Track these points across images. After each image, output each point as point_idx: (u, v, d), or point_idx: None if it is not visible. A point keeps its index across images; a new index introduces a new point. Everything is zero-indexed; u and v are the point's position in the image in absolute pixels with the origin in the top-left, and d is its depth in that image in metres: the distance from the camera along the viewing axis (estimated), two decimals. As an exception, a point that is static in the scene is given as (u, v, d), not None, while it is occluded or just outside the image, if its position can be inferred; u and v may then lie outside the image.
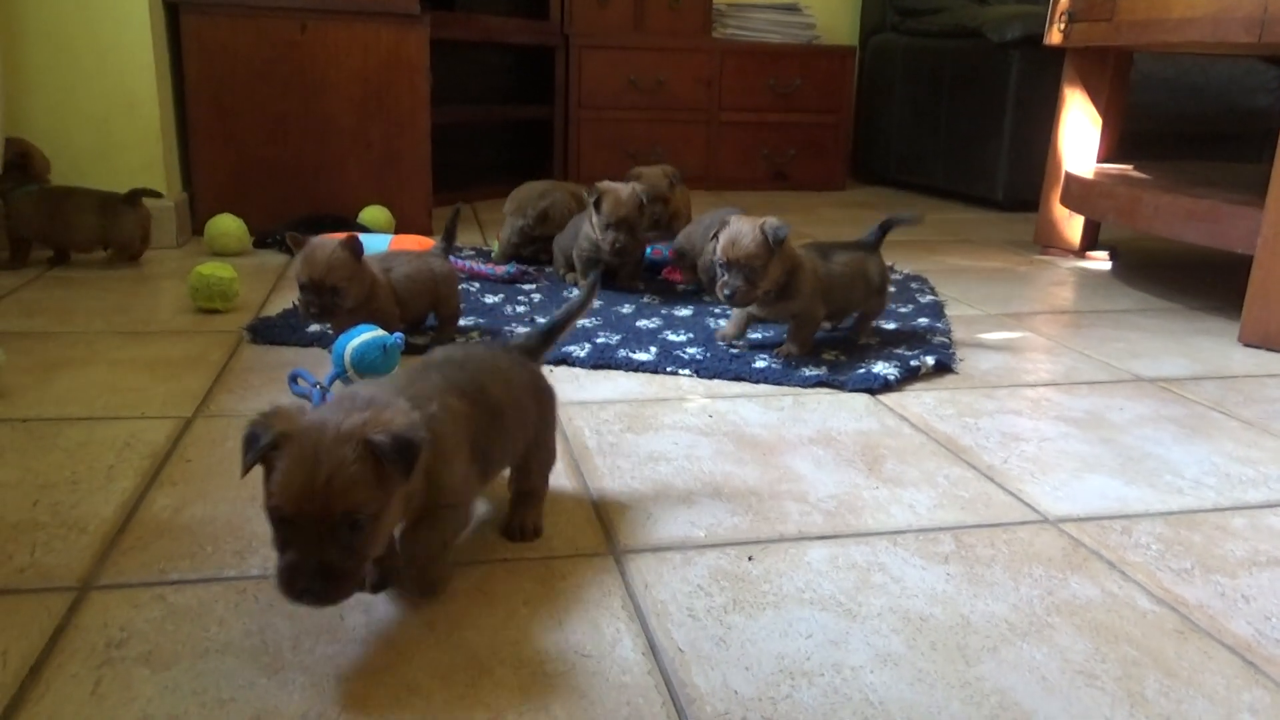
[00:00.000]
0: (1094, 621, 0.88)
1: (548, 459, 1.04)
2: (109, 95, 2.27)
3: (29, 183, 2.08)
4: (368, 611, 0.86)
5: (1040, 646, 0.84)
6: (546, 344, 1.09)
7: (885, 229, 1.79)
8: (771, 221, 1.52)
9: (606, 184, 1.93)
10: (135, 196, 2.10)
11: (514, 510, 1.03)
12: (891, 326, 1.81)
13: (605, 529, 1.03)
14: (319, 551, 0.72)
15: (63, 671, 0.77)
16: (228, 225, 2.29)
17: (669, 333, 1.73)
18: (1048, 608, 0.90)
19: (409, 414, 0.79)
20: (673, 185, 2.18)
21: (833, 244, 1.73)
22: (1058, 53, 2.67)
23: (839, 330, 1.80)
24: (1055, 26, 2.48)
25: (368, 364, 1.37)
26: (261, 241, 2.38)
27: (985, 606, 0.90)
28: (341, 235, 2.01)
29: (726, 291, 1.52)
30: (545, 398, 1.04)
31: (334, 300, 1.45)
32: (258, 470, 0.76)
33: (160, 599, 0.87)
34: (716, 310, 1.91)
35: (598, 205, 1.91)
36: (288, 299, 1.89)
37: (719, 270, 1.54)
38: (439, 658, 0.80)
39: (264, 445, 0.74)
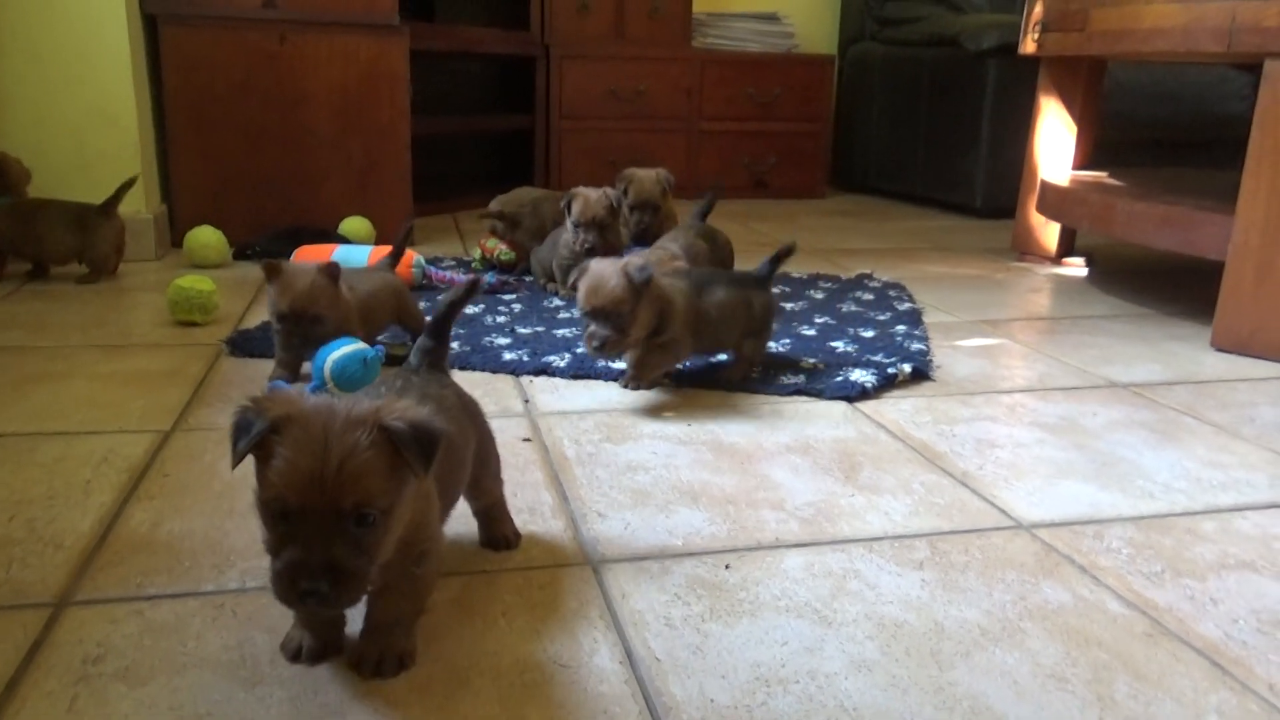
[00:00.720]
0: (1065, 626, 0.90)
1: (495, 468, 1.00)
2: (87, 107, 2.26)
3: (3, 195, 2.07)
4: (346, 624, 0.86)
5: (1012, 651, 0.85)
6: (443, 347, 0.98)
7: (777, 261, 1.58)
8: (634, 262, 1.41)
9: (579, 188, 2.03)
10: (111, 206, 2.09)
11: (488, 524, 1.01)
12: (870, 334, 1.83)
13: (583, 539, 1.04)
14: (326, 547, 0.66)
15: (39, 688, 0.77)
16: (207, 237, 2.29)
17: (649, 342, 1.74)
18: (1020, 613, 0.91)
19: (423, 406, 0.75)
20: (665, 192, 2.19)
21: (716, 274, 1.61)
22: (1033, 61, 2.70)
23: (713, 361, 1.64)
24: (1029, 36, 2.51)
25: (348, 377, 1.37)
26: (241, 253, 2.37)
27: (959, 612, 0.91)
28: (318, 254, 2.01)
29: (595, 343, 1.38)
30: (476, 411, 0.97)
31: (316, 329, 1.42)
32: (239, 478, 0.75)
33: (137, 614, 0.87)
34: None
35: (569, 208, 2.01)
36: (267, 312, 1.89)
37: (584, 321, 1.42)
38: (417, 670, 0.80)
39: (259, 430, 0.67)
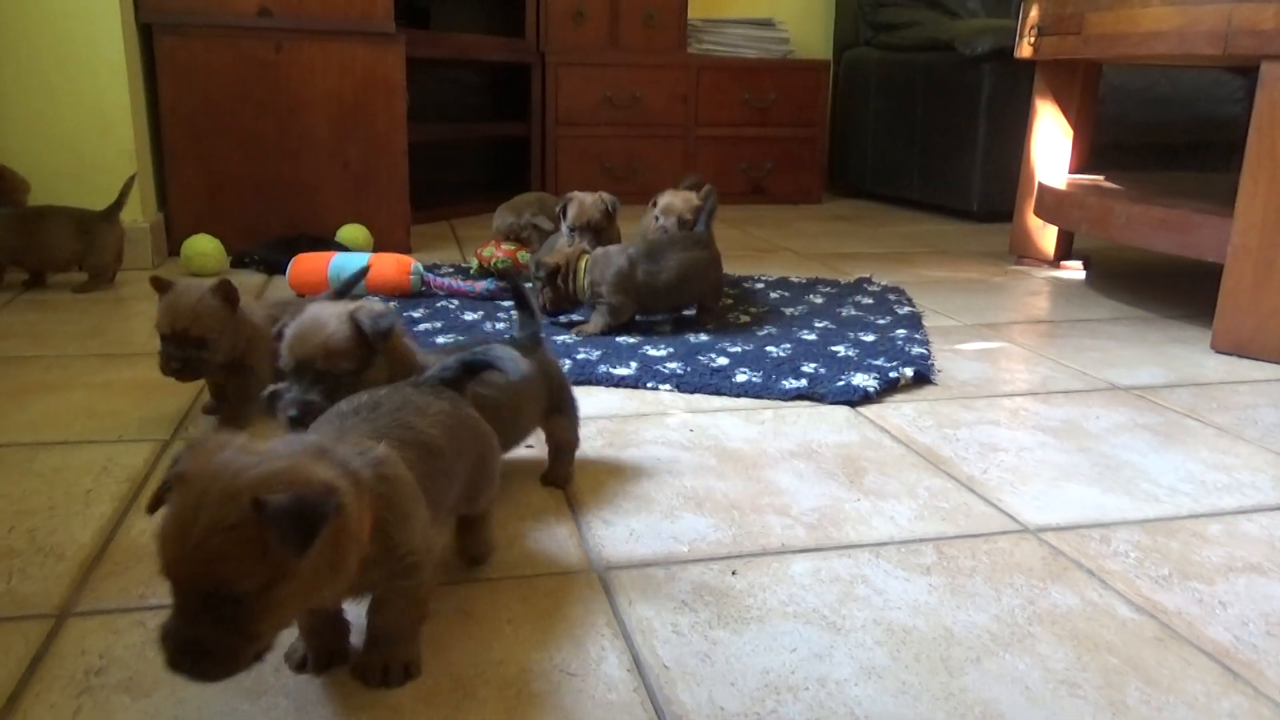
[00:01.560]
0: (1075, 630, 0.89)
1: (492, 487, 0.95)
2: (83, 116, 2.26)
3: (2, 205, 2.06)
4: (351, 635, 0.85)
5: (1022, 656, 0.85)
6: (468, 376, 0.94)
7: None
8: (370, 308, 1.05)
9: (575, 193, 2.06)
10: (113, 212, 2.09)
11: (465, 534, 0.97)
12: (870, 338, 1.82)
13: (588, 546, 1.03)
14: (190, 625, 0.61)
15: (41, 700, 0.76)
16: (204, 245, 2.28)
17: (648, 348, 1.73)
18: (1029, 617, 0.91)
19: (344, 473, 0.68)
20: (609, 214, 2.15)
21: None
22: (1028, 65, 2.70)
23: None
24: (1025, 40, 2.51)
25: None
26: (238, 261, 2.37)
27: (967, 617, 0.91)
28: (315, 263, 2.00)
29: (291, 413, 0.99)
30: (477, 430, 0.92)
31: (198, 354, 1.25)
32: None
33: (140, 625, 0.87)
34: (695, 324, 1.91)
35: (565, 212, 2.04)
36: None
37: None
38: (422, 680, 0.80)
39: (163, 487, 0.64)
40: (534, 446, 1.30)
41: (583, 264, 1.85)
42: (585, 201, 2.03)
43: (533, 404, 1.12)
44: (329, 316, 1.01)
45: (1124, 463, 1.29)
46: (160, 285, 1.28)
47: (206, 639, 0.61)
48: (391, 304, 1.69)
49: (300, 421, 0.95)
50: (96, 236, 2.08)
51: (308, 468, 0.65)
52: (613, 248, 1.89)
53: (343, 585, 0.70)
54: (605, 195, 2.06)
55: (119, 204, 2.10)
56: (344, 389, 0.95)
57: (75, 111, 2.25)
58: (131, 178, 2.13)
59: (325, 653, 0.80)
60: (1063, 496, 1.19)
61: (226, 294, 1.28)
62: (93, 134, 2.27)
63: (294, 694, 0.77)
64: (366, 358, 1.01)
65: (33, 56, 2.21)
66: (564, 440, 1.19)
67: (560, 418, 1.18)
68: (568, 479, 1.18)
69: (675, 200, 2.01)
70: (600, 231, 2.03)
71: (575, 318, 1.93)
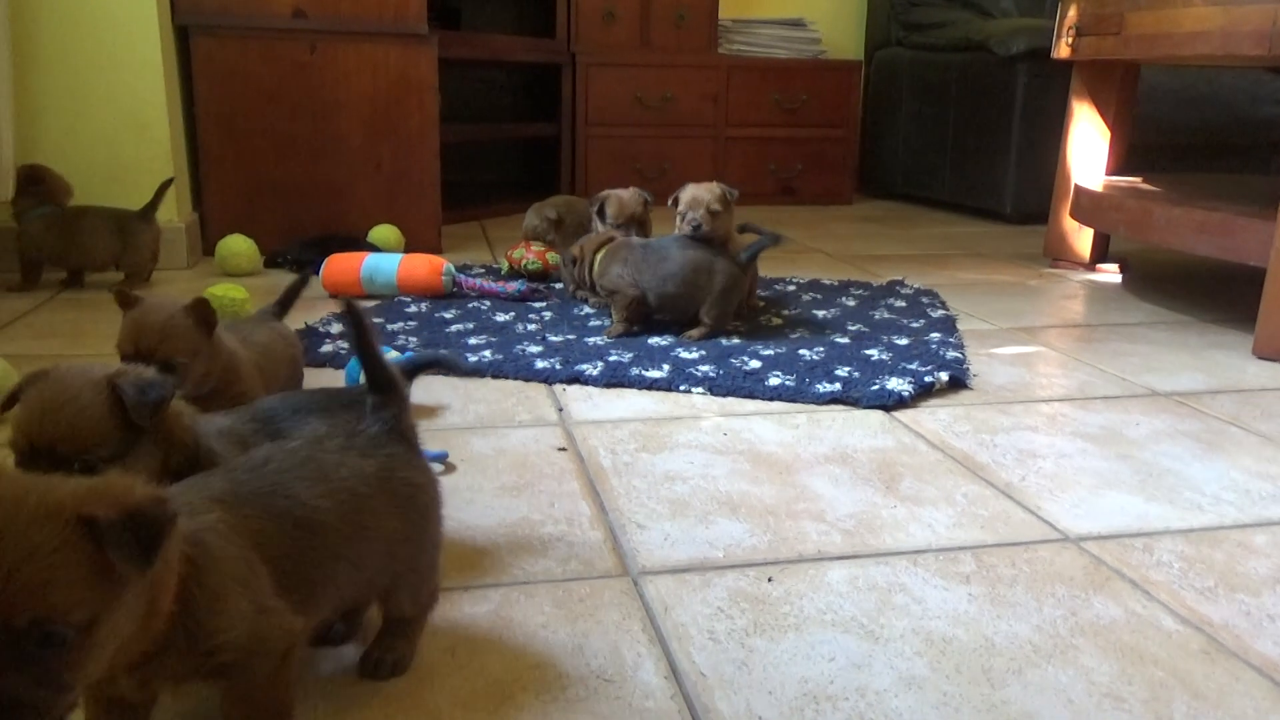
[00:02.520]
0: (1119, 642, 0.87)
1: (423, 584, 0.79)
2: (120, 117, 2.28)
3: (44, 205, 2.08)
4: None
5: (1066, 668, 0.83)
6: (395, 400, 0.79)
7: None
8: (134, 376, 0.91)
9: (609, 190, 2.07)
10: (150, 211, 2.11)
11: (377, 639, 0.80)
12: (904, 342, 1.81)
13: (622, 551, 1.03)
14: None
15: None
16: (239, 246, 2.30)
17: (681, 350, 1.73)
18: (1071, 628, 0.89)
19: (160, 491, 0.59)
20: (649, 204, 2.15)
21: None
22: (1064, 65, 2.67)
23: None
24: (1063, 40, 2.48)
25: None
26: (272, 261, 2.38)
27: (1008, 627, 0.89)
28: (347, 263, 2.00)
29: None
30: (415, 499, 0.76)
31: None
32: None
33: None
34: (727, 327, 1.90)
35: (601, 212, 2.05)
36: (300, 319, 1.89)
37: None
38: (460, 684, 0.79)
39: None
40: (566, 450, 1.30)
41: (601, 252, 1.90)
42: (624, 197, 2.05)
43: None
44: (81, 385, 0.77)
45: (1166, 470, 1.27)
46: (125, 300, 1.09)
47: (12, 690, 0.50)
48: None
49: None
50: (133, 236, 2.10)
51: (124, 484, 0.57)
52: (634, 240, 1.93)
53: (145, 643, 0.58)
54: (641, 190, 2.08)
55: (155, 204, 2.12)
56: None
57: (112, 112, 2.27)
58: (169, 181, 2.15)
59: None
60: (1104, 505, 1.17)
61: (201, 314, 1.08)
62: (129, 135, 2.29)
63: (332, 696, 0.77)
64: (127, 440, 0.78)
65: (71, 58, 2.23)
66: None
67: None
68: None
69: (700, 191, 1.85)
70: (644, 224, 2.05)
71: (607, 321, 1.93)
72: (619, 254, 1.87)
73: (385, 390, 0.78)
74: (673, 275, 1.80)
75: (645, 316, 1.86)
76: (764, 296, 2.17)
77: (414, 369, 0.93)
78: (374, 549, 0.72)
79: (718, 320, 1.81)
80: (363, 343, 0.76)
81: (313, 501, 0.68)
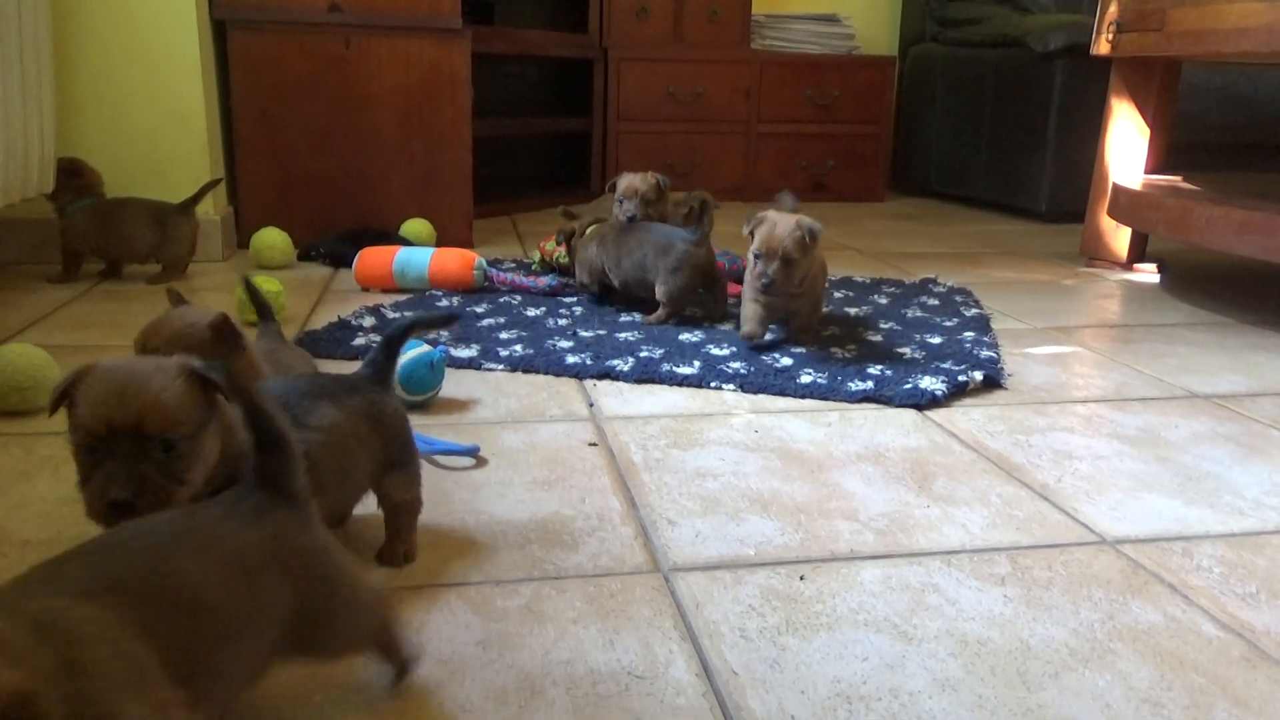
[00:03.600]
0: (1158, 648, 0.86)
1: (342, 641, 0.73)
2: (158, 111, 2.30)
3: (84, 197, 2.11)
4: (419, 631, 0.86)
5: (1103, 673, 0.82)
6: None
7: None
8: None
9: (624, 172, 2.08)
10: (190, 206, 2.14)
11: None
12: (937, 340, 1.79)
13: (653, 547, 1.02)
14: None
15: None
16: (273, 239, 2.31)
17: (712, 346, 1.72)
18: (1109, 633, 0.88)
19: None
20: (659, 188, 2.14)
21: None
22: (1102, 62, 2.63)
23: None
24: (1103, 36, 2.45)
25: (416, 380, 1.37)
26: (305, 255, 2.40)
27: (1045, 630, 0.88)
28: (380, 256, 1.99)
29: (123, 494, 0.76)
30: (304, 568, 0.68)
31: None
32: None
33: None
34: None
35: (614, 189, 2.05)
36: (333, 312, 1.90)
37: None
38: (491, 678, 0.80)
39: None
40: (596, 445, 1.30)
41: (588, 232, 2.00)
42: (632, 176, 2.04)
43: (364, 454, 0.91)
44: (152, 369, 0.76)
45: (1206, 474, 1.25)
46: (176, 299, 1.02)
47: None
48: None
49: (130, 509, 0.72)
50: (173, 229, 2.13)
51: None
52: (617, 224, 1.98)
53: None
54: (655, 174, 2.06)
55: (196, 198, 2.14)
56: (179, 463, 0.75)
57: (151, 106, 2.30)
58: (217, 181, 2.21)
59: None
60: (1142, 508, 1.15)
61: (222, 330, 0.99)
62: (168, 128, 2.31)
63: (365, 688, 0.78)
64: (200, 422, 0.77)
65: (110, 53, 2.26)
66: (402, 501, 0.96)
67: (396, 474, 0.95)
68: (411, 554, 0.96)
69: (635, 180, 1.99)
70: (650, 204, 2.02)
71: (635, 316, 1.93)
72: (597, 236, 1.98)
73: (270, 447, 0.70)
74: (629, 254, 1.89)
75: (609, 290, 1.99)
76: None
77: (396, 339, 0.96)
78: (270, 618, 0.65)
79: (669, 299, 1.85)
80: (246, 398, 0.69)
81: (200, 581, 0.60)
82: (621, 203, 2.01)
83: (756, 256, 1.61)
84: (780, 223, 1.60)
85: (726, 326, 1.87)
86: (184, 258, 2.17)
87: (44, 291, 2.05)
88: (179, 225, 2.13)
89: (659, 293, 1.86)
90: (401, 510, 0.97)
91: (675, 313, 1.87)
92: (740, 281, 2.17)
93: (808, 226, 1.60)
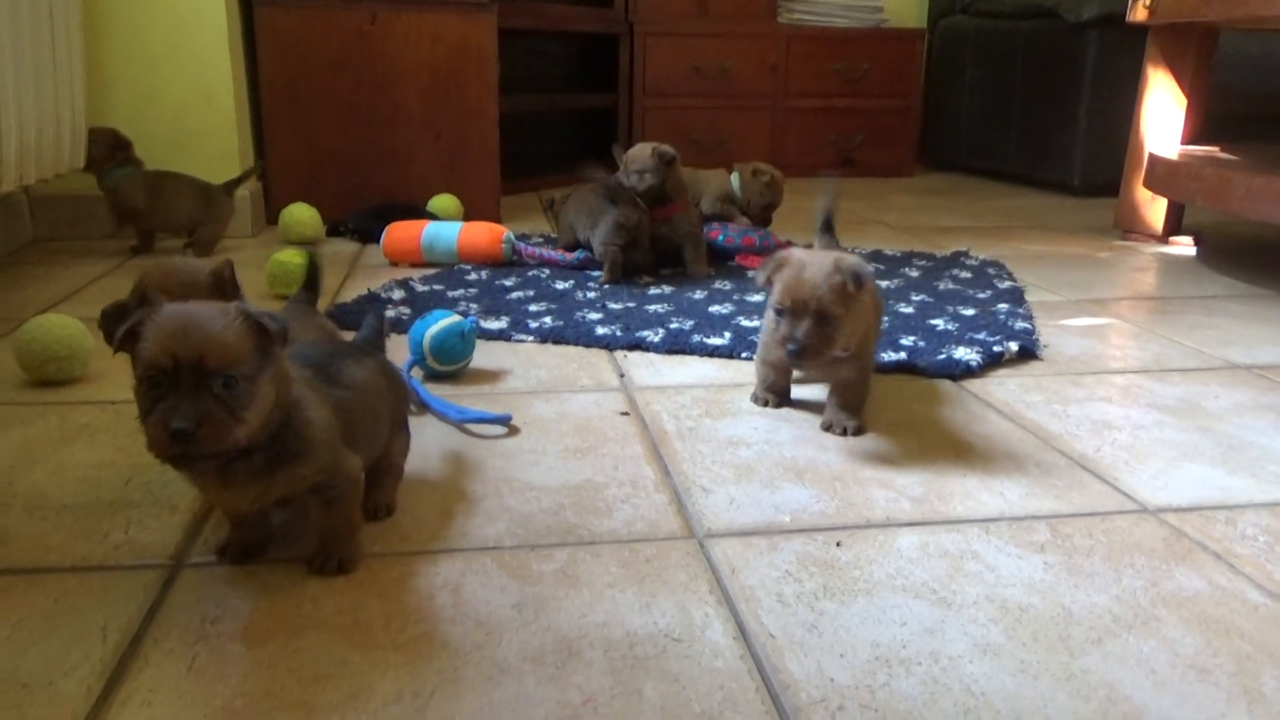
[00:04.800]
0: (1203, 614, 0.85)
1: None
2: (186, 86, 2.31)
3: (126, 165, 2.13)
4: (454, 592, 0.86)
5: (1147, 639, 0.81)
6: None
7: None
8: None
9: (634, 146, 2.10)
10: (232, 187, 2.18)
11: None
12: (970, 312, 1.77)
13: (688, 513, 1.02)
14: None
15: (160, 646, 0.78)
16: (302, 214, 2.32)
17: (742, 318, 1.71)
18: (1153, 599, 0.87)
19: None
20: (662, 159, 2.11)
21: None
22: (1136, 31, 2.58)
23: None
24: (1140, 3, 2.40)
25: (447, 350, 1.37)
26: (334, 230, 2.41)
27: (1086, 597, 0.87)
28: (408, 231, 1.99)
29: (183, 424, 0.75)
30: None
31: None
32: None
33: (252, 576, 0.88)
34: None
35: (622, 162, 2.09)
36: (362, 285, 1.91)
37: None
38: (528, 639, 0.79)
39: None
40: (629, 414, 1.29)
41: (569, 200, 2.17)
42: (637, 148, 2.05)
43: (384, 411, 0.98)
44: (213, 311, 0.79)
45: (1248, 444, 1.23)
46: (149, 314, 0.78)
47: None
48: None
49: (190, 439, 0.74)
50: (216, 207, 2.15)
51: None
52: (581, 191, 2.14)
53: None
54: (658, 146, 2.04)
55: (239, 181, 2.19)
56: (238, 400, 0.77)
57: (179, 82, 2.30)
58: (258, 166, 2.29)
59: (244, 546, 0.91)
60: (1183, 477, 1.13)
61: (222, 280, 1.02)
62: (196, 103, 2.32)
63: (403, 648, 0.78)
64: (260, 366, 0.79)
65: (139, 29, 2.26)
66: (396, 463, 1.04)
67: (398, 436, 1.04)
68: (392, 507, 1.01)
69: (636, 151, 2.02)
70: (646, 173, 2.01)
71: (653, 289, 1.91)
72: (575, 202, 2.14)
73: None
74: (589, 216, 2.03)
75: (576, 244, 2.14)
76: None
77: (380, 319, 1.12)
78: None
79: (600, 257, 1.99)
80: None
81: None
82: (639, 174, 2.01)
83: (779, 313, 1.16)
84: (810, 266, 1.15)
85: (758, 297, 1.86)
86: (219, 236, 2.18)
87: (77, 265, 2.06)
88: (222, 204, 2.16)
89: (595, 250, 2.01)
90: (392, 470, 1.03)
91: (614, 270, 1.97)
92: (743, 254, 2.16)
93: (850, 270, 1.14)
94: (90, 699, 0.72)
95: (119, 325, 0.79)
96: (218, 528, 0.96)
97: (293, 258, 1.81)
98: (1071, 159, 3.30)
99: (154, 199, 2.12)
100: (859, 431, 1.24)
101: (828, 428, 1.25)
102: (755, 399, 1.34)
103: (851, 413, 1.25)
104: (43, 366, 1.34)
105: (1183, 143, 2.52)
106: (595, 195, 2.04)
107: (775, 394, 1.33)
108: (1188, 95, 2.50)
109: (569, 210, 2.17)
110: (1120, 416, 1.31)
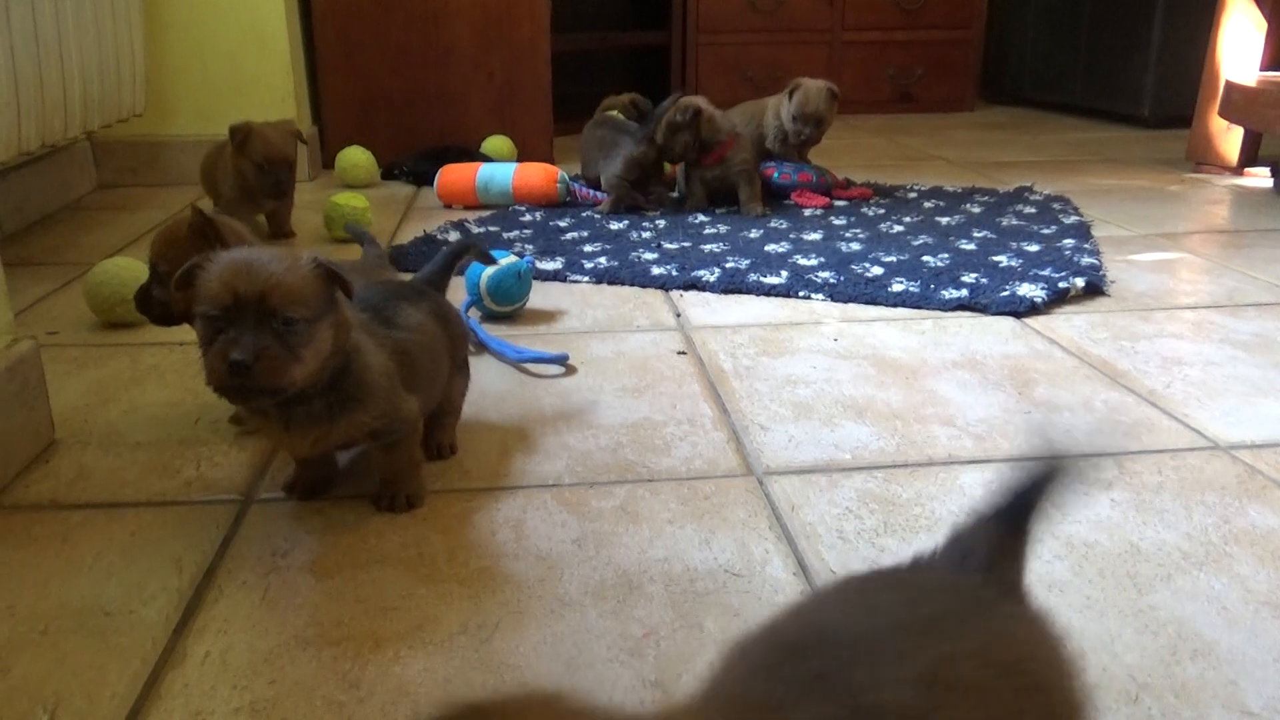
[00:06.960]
0: (1277, 551, 0.83)
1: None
2: (241, 30, 2.32)
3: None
4: (516, 528, 0.87)
5: (1219, 576, 0.79)
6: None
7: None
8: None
9: (802, 79, 2.14)
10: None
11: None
12: (1034, 248, 1.72)
13: (746, 451, 1.02)
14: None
15: (233, 578, 0.80)
16: (357, 157, 2.33)
17: (799, 257, 1.68)
18: (1224, 536, 0.85)
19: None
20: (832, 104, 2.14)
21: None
22: (1218, -49, 2.46)
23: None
24: (1219, -79, 2.28)
25: (504, 291, 1.38)
26: (389, 173, 2.41)
27: (1155, 534, 0.85)
28: (462, 174, 1.99)
29: (240, 355, 0.76)
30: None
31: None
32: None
33: (319, 512, 0.90)
34: (847, 234, 1.85)
35: (791, 96, 2.15)
36: (419, 227, 1.92)
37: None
38: (589, 574, 0.80)
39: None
40: (685, 354, 1.29)
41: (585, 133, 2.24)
42: (811, 89, 2.11)
43: (443, 354, 0.99)
44: (278, 253, 0.80)
45: (1327, 380, 1.19)
46: (212, 254, 0.80)
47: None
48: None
49: (248, 371, 0.75)
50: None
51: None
52: (594, 123, 2.22)
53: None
54: (697, 99, 2.02)
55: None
56: (296, 339, 0.78)
57: (234, 26, 2.31)
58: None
59: (310, 483, 0.93)
60: (1257, 413, 1.10)
61: (201, 230, 0.97)
62: (250, 47, 2.33)
63: (466, 582, 0.79)
64: (321, 310, 0.80)
65: (194, -27, 2.27)
66: (456, 403, 1.05)
67: (458, 377, 1.04)
68: (454, 446, 1.02)
69: (694, 99, 2.04)
70: (822, 122, 2.13)
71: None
72: (590, 132, 2.20)
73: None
74: (599, 149, 2.08)
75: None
76: (883, 203, 2.10)
77: (457, 253, 1.09)
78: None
79: (608, 187, 2.04)
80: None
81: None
82: (795, 121, 2.12)
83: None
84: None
85: (814, 235, 1.83)
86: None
87: (142, 210, 2.10)
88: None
89: (603, 182, 2.06)
90: (452, 410, 1.04)
91: (618, 201, 2.02)
92: (826, 193, 2.13)
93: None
94: (169, 627, 0.74)
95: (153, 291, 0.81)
96: (285, 465, 0.98)
97: (350, 200, 1.82)
98: (1142, 88, 3.18)
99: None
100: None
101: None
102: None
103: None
104: (112, 309, 1.37)
105: (1262, 69, 2.41)
106: (606, 129, 2.10)
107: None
108: (1268, 18, 2.38)
109: (583, 144, 2.22)
110: (1191, 352, 1.28)
